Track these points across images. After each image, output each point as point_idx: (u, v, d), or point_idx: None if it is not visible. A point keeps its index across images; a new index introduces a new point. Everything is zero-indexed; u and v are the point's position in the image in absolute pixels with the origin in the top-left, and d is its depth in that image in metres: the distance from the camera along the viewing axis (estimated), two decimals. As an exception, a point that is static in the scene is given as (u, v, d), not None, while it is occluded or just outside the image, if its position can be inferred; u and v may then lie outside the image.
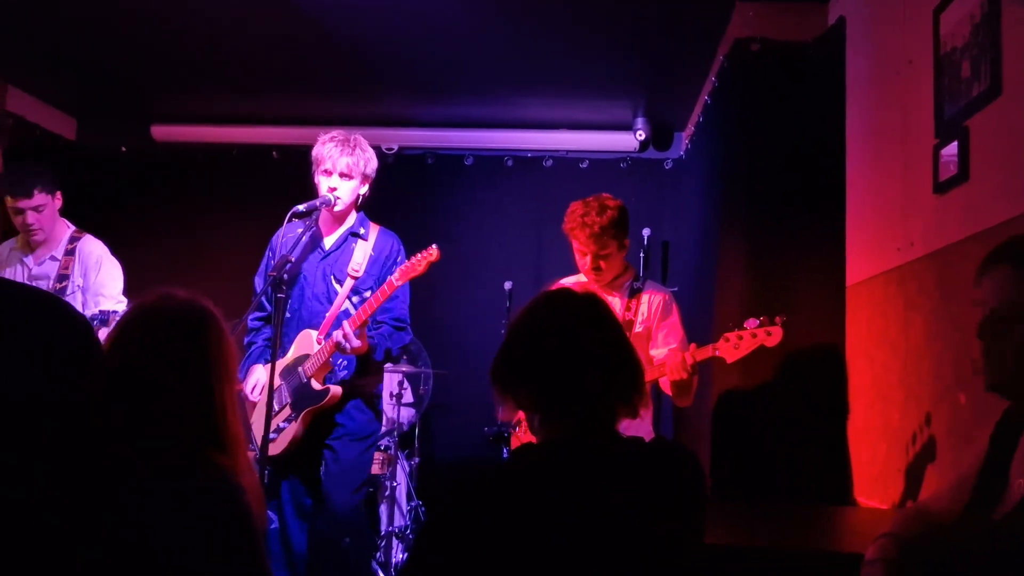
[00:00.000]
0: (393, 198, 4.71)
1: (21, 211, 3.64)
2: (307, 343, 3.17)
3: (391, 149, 5.64)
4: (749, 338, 2.75)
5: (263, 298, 3.24)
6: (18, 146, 4.80)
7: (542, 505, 1.35)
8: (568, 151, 5.68)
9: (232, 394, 1.58)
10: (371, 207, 3.39)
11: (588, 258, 3.05)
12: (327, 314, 3.18)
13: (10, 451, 1.01)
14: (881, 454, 2.87)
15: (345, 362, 3.18)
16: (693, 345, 2.92)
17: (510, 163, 5.73)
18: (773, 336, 2.73)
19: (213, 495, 1.45)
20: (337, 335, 3.00)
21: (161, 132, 5.76)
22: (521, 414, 3.43)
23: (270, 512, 3.18)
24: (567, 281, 3.28)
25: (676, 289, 5.24)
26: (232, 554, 1.44)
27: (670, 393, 3.04)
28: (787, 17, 3.66)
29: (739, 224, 3.67)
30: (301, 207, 3.07)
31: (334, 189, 3.14)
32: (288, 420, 3.15)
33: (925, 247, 2.58)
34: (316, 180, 3.21)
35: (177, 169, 5.83)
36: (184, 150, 5.80)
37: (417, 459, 4.97)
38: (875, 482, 2.93)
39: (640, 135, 5.46)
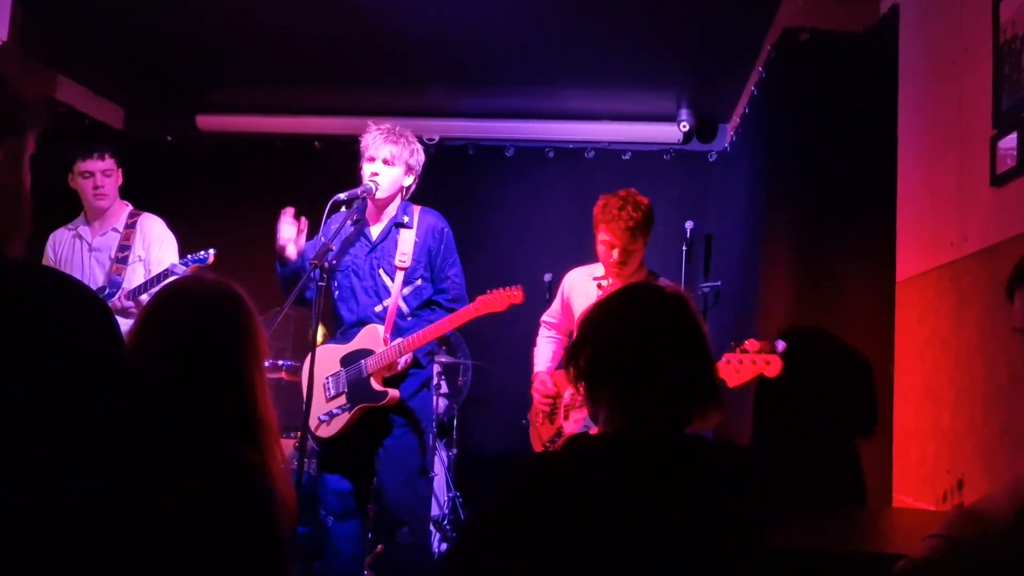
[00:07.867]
0: (434, 189, 4.72)
1: (91, 174, 3.70)
2: (373, 338, 3.17)
3: (432, 140, 5.64)
4: (749, 364, 2.63)
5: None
6: (67, 135, 4.87)
7: (597, 495, 1.34)
8: (610, 142, 5.63)
9: (263, 379, 1.53)
10: (412, 198, 3.39)
11: (617, 251, 3.03)
12: (380, 308, 3.19)
13: (27, 443, 0.99)
14: (930, 454, 2.79)
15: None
16: None
17: (551, 154, 5.70)
18: (772, 366, 2.61)
19: (235, 490, 1.41)
20: (401, 360, 3.09)
21: (206, 122, 5.84)
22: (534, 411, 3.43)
23: (320, 510, 3.22)
24: (582, 270, 3.26)
25: (720, 284, 5.17)
26: (250, 553, 1.40)
27: None
28: (838, 6, 3.57)
29: (785, 218, 3.60)
30: (343, 195, 3.10)
31: (376, 175, 3.15)
32: (342, 408, 3.18)
33: (980, 242, 2.50)
34: (361, 170, 3.22)
35: (221, 158, 5.91)
36: (228, 140, 5.88)
37: (455, 450, 4.97)
38: (922, 483, 2.85)
39: (684, 127, 5.39)
